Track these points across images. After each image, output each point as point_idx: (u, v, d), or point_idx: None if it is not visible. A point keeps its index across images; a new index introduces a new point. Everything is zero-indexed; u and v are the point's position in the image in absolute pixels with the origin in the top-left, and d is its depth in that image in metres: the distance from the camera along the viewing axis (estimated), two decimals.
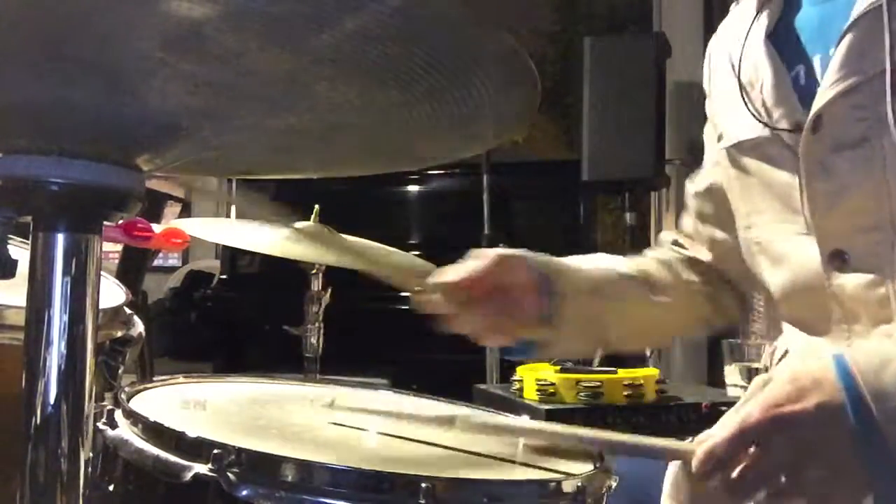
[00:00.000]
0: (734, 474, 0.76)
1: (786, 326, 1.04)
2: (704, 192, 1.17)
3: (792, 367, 0.82)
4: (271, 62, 0.49)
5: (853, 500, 0.76)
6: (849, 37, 0.88)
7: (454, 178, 4.61)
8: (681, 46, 3.47)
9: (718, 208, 1.13)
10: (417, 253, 2.01)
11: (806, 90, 0.94)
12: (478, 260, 1.01)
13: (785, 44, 0.98)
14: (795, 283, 0.96)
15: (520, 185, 4.59)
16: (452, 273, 1.00)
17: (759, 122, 0.97)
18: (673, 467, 1.00)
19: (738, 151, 1.03)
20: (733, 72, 1.01)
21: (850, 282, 0.90)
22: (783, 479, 0.75)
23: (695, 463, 0.78)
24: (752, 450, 0.76)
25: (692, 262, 1.19)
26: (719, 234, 1.16)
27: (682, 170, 3.54)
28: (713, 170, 1.13)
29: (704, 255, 1.19)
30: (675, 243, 1.23)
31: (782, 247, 0.99)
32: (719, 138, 1.08)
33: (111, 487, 0.78)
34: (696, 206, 1.20)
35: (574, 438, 0.89)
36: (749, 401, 0.78)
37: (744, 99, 0.99)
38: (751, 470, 0.75)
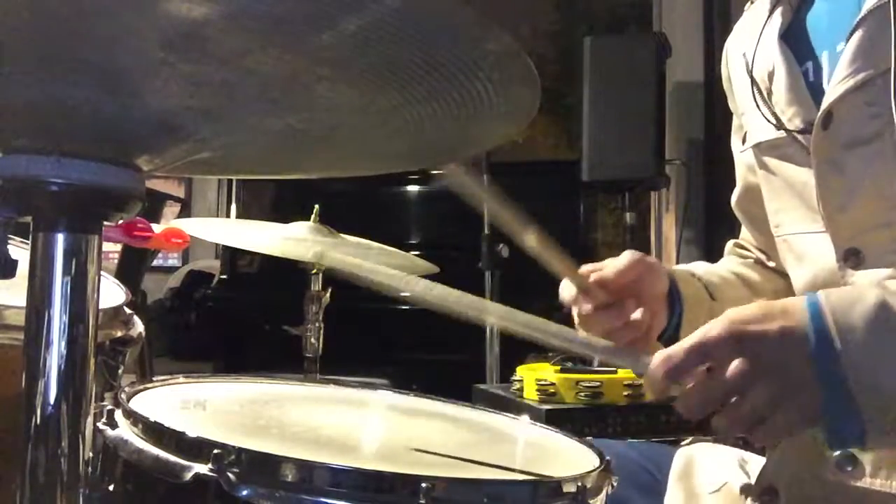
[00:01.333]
0: (687, 386, 0.76)
1: None
2: (740, 200, 1.16)
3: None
4: (271, 62, 0.49)
5: (799, 431, 0.76)
6: (858, 33, 0.88)
7: None
8: (681, 46, 3.47)
9: (756, 211, 1.12)
10: (417, 253, 2.02)
11: (815, 87, 0.94)
12: (623, 261, 0.97)
13: (797, 41, 0.98)
14: (815, 280, 0.96)
15: (520, 185, 4.58)
16: (603, 271, 0.96)
17: (771, 122, 0.97)
18: (679, 458, 1.00)
19: (760, 151, 1.03)
20: (747, 72, 1.01)
21: (863, 280, 0.90)
22: (734, 398, 0.74)
23: (650, 369, 0.77)
24: (708, 368, 0.75)
25: (763, 265, 1.18)
26: (761, 238, 1.15)
27: (682, 170, 3.54)
28: (744, 175, 1.13)
29: (765, 258, 1.18)
30: (739, 246, 1.22)
31: (803, 245, 0.99)
32: (744, 139, 1.08)
33: (111, 487, 0.78)
34: (741, 216, 1.19)
35: (541, 331, 0.85)
36: (715, 319, 0.77)
37: (755, 100, 0.99)
38: (702, 384, 0.75)
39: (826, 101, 0.90)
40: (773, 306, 0.77)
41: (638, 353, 0.83)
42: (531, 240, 0.86)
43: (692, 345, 0.76)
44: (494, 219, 0.87)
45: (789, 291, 1.10)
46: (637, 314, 0.95)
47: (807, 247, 0.98)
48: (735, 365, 0.73)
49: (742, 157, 1.11)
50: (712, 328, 0.75)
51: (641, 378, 0.79)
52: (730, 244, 1.24)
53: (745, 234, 1.22)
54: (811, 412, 0.73)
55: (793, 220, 1.00)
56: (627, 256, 0.97)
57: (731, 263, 1.19)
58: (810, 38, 0.97)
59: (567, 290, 0.96)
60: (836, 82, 0.89)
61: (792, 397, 0.73)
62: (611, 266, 0.96)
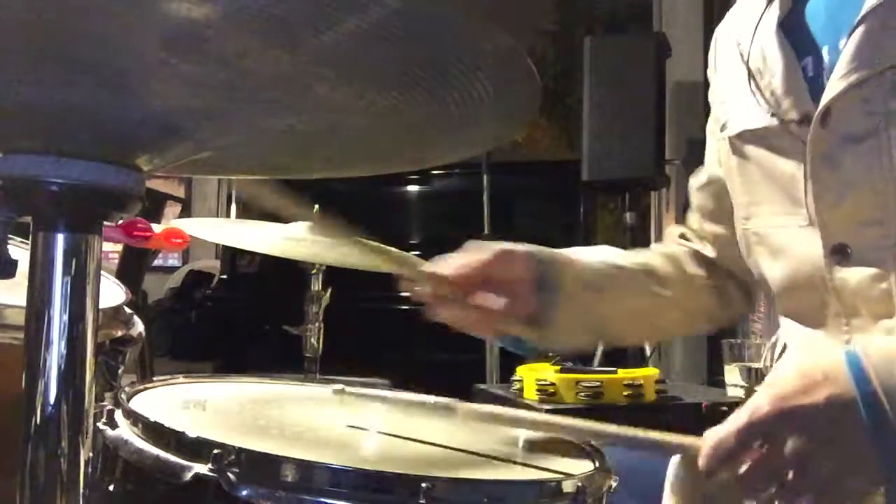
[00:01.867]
0: (742, 469, 0.74)
1: (783, 321, 1.04)
2: (705, 186, 1.17)
3: (802, 362, 0.81)
4: (271, 63, 0.49)
5: (862, 497, 0.75)
6: (860, 29, 0.88)
7: (454, 178, 4.61)
8: (681, 46, 3.47)
9: (718, 202, 1.13)
10: (417, 253, 2.01)
11: (814, 81, 0.93)
12: (476, 252, 1.00)
13: (795, 34, 0.97)
14: (796, 276, 0.96)
15: (520, 185, 4.59)
16: (446, 266, 1.00)
17: (766, 112, 0.97)
18: (674, 464, 1.00)
19: (742, 141, 1.02)
20: (742, 60, 1.01)
21: (852, 276, 0.89)
22: (791, 474, 0.73)
23: (702, 457, 0.76)
24: (760, 445, 0.74)
25: (698, 256, 1.19)
26: (719, 229, 1.16)
27: (682, 170, 3.54)
28: (713, 163, 1.13)
29: (709, 250, 1.19)
30: (682, 237, 1.23)
31: (782, 239, 0.98)
32: (722, 127, 1.07)
33: (111, 487, 0.78)
34: (698, 201, 1.20)
35: (577, 432, 0.88)
36: (758, 394, 0.77)
37: (751, 87, 0.99)
38: (759, 465, 0.74)
39: (825, 98, 0.90)
40: (813, 373, 0.75)
41: (682, 441, 0.82)
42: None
43: (740, 427, 0.74)
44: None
45: (714, 291, 1.15)
46: (486, 300, 0.98)
47: (786, 241, 0.97)
48: (790, 444, 0.72)
49: (715, 146, 1.12)
50: (758, 407, 0.74)
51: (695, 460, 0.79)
52: (672, 231, 1.25)
53: (694, 223, 1.22)
54: (873, 476, 0.73)
55: (771, 213, 0.99)
56: (489, 249, 1.01)
57: (650, 252, 1.20)
58: (811, 30, 0.97)
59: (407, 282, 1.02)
60: (836, 78, 0.89)
61: (852, 466, 0.73)
62: (467, 258, 1.00)
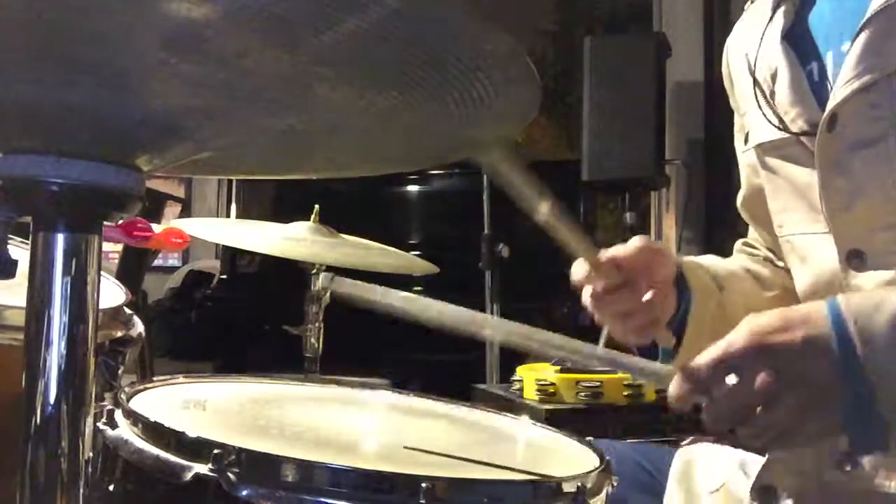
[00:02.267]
0: (711, 399, 0.75)
1: None
2: (746, 200, 1.16)
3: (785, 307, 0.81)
4: (271, 62, 0.49)
5: (824, 439, 0.75)
6: (864, 34, 0.87)
7: (454, 178, 4.61)
8: (681, 46, 3.47)
9: (761, 211, 1.11)
10: (417, 253, 2.01)
11: (820, 88, 0.93)
12: (633, 247, 0.98)
13: (800, 42, 0.97)
14: (817, 282, 0.96)
15: None
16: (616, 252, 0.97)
17: (773, 125, 0.97)
18: (679, 458, 1.00)
19: (763, 151, 1.03)
20: (750, 73, 1.01)
21: (867, 282, 0.89)
22: (759, 409, 0.73)
23: (673, 384, 0.76)
24: (732, 378, 0.74)
25: (772, 262, 1.18)
26: (769, 238, 1.15)
27: (682, 170, 3.54)
28: (748, 175, 1.12)
29: (774, 257, 1.17)
30: (747, 245, 1.22)
31: (806, 246, 0.99)
32: (746, 139, 1.07)
33: (111, 487, 0.78)
34: (746, 215, 1.19)
35: (554, 348, 0.86)
36: (737, 329, 0.77)
37: (758, 101, 0.99)
38: (727, 398, 0.74)
39: (831, 103, 0.90)
40: (794, 314, 0.76)
41: (656, 364, 0.82)
42: (546, 211, 0.87)
43: (715, 358, 0.74)
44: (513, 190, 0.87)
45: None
46: (648, 295, 0.95)
47: (809, 248, 0.98)
48: (761, 378, 0.72)
49: (745, 157, 1.11)
50: (734, 340, 0.74)
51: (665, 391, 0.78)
52: (738, 243, 1.24)
53: (753, 234, 1.21)
54: (836, 420, 0.73)
55: (795, 220, 1.00)
56: (637, 241, 0.98)
57: (740, 259, 1.19)
58: (814, 38, 0.97)
59: (579, 269, 0.98)
60: (842, 84, 0.89)
61: (818, 407, 0.73)
62: (621, 248, 0.97)
